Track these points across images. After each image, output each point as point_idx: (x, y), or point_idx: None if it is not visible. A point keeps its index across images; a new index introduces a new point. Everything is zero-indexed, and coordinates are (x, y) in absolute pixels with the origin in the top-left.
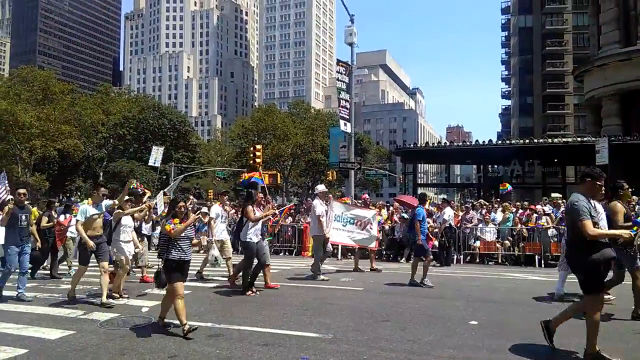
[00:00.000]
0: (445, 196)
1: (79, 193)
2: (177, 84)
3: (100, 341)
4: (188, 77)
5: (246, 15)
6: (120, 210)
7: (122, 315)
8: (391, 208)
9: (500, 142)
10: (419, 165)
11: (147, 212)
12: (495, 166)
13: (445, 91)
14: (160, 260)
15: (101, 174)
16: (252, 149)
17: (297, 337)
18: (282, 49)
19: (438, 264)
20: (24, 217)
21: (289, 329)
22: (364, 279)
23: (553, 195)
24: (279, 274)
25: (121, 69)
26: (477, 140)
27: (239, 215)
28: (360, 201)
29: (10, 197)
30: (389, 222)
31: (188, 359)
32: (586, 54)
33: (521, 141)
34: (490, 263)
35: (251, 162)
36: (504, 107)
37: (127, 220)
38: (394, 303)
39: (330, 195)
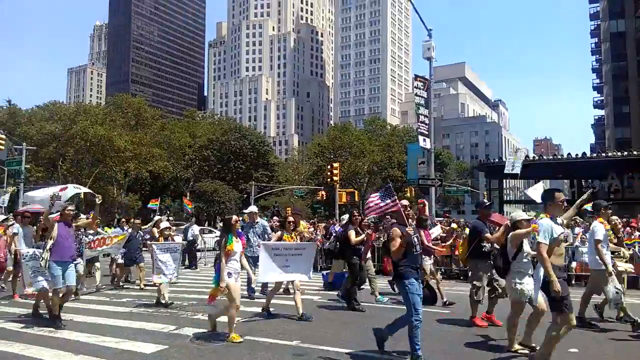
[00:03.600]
0: (534, 214)
1: (168, 212)
2: (256, 105)
3: (192, 356)
4: (267, 98)
5: (321, 36)
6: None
7: (208, 331)
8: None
9: (595, 154)
10: (505, 180)
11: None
12: (590, 181)
13: (530, 103)
14: None
15: (188, 193)
16: (329, 167)
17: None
18: (357, 67)
19: None
20: (415, 239)
21: (373, 351)
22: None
23: None
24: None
25: (205, 94)
26: (569, 154)
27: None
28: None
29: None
30: None
31: None
32: None
33: (618, 153)
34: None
35: (328, 180)
36: (596, 117)
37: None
38: (487, 328)
39: None
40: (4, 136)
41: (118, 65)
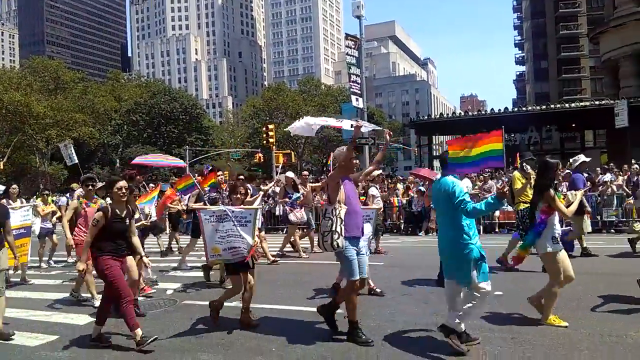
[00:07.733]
0: None
1: (97, 179)
2: (185, 66)
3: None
4: (196, 59)
5: None
6: None
7: (147, 298)
8: (406, 182)
9: (516, 109)
10: (434, 137)
11: None
12: (512, 134)
13: (457, 60)
14: None
15: (117, 160)
16: (264, 128)
17: (315, 313)
18: (289, 26)
19: None
20: None
21: (308, 306)
22: (383, 255)
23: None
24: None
25: (129, 54)
26: (492, 109)
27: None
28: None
29: None
30: (406, 195)
31: (214, 338)
32: (601, 15)
33: (537, 107)
34: (511, 231)
35: (264, 142)
36: (518, 73)
37: None
38: (416, 277)
39: None
40: None
41: (31, 25)
